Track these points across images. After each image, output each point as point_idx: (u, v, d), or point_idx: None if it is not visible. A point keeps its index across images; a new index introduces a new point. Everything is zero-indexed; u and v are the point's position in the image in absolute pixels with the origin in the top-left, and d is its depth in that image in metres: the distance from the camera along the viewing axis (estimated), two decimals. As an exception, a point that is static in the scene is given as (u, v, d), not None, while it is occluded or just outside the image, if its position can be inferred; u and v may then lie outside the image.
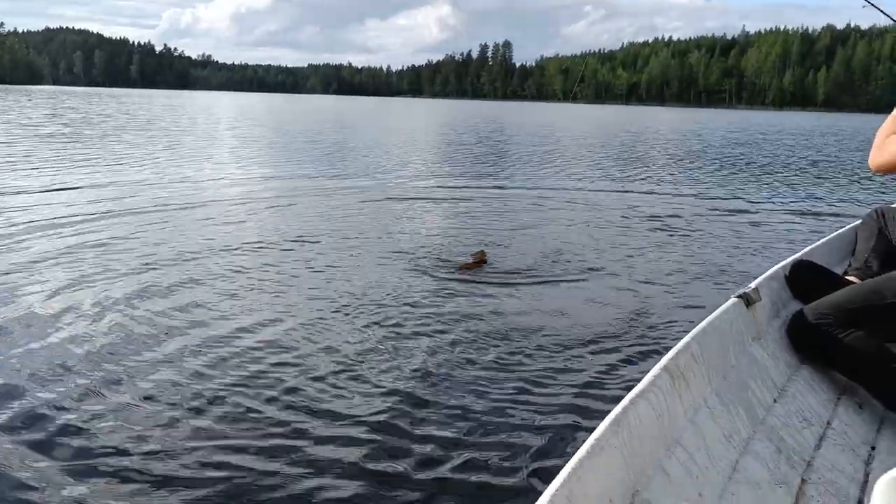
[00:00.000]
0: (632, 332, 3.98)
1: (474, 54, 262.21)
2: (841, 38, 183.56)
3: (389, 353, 3.53)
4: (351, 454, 2.51)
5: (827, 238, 3.53)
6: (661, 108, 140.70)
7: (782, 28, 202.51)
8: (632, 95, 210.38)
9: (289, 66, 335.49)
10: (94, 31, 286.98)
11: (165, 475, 2.33)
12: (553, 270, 5.36)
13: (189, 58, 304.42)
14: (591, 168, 14.15)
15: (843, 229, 3.68)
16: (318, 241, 6.21)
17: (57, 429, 2.63)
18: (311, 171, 11.96)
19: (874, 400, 2.36)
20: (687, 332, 1.93)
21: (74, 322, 3.84)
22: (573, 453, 1.29)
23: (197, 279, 4.80)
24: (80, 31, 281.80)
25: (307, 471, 2.38)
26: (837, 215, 8.62)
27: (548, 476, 2.12)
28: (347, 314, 4.14)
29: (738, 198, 10.23)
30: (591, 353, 3.63)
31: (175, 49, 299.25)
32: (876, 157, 2.34)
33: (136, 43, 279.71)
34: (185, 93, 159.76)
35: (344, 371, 3.27)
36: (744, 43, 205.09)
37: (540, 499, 1.21)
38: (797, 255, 3.06)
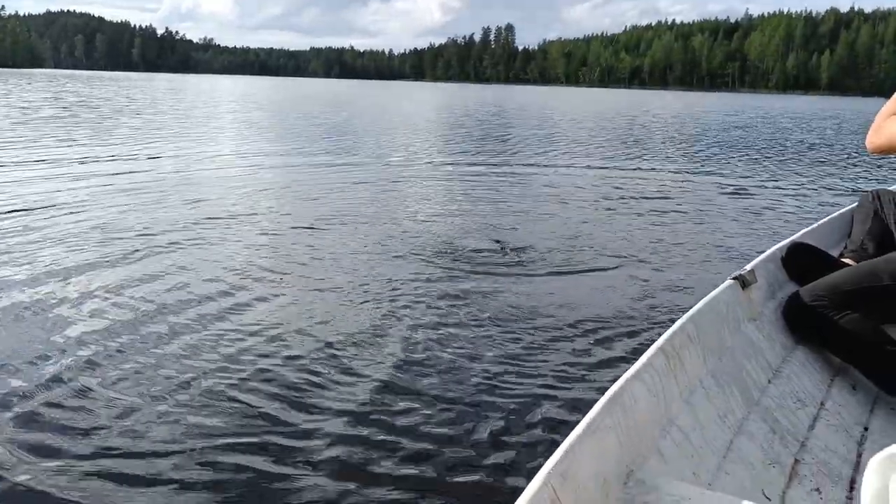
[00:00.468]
0: (627, 313, 3.98)
1: (477, 37, 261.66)
2: (845, 22, 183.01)
3: (383, 336, 3.50)
4: (347, 439, 2.49)
5: (823, 221, 3.52)
6: (664, 92, 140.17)
7: (786, 11, 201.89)
8: (635, 79, 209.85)
9: (291, 49, 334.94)
10: (96, 15, 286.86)
11: (152, 469, 2.31)
12: (546, 252, 5.33)
13: (191, 41, 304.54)
14: (590, 149, 14.04)
15: (839, 212, 3.67)
16: (320, 224, 6.18)
17: (32, 416, 2.61)
18: (315, 153, 11.91)
19: (868, 381, 2.38)
20: (683, 312, 1.95)
21: (61, 306, 3.83)
22: (569, 431, 1.30)
23: (191, 262, 4.79)
24: (82, 15, 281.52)
25: (305, 468, 2.35)
26: (833, 198, 8.60)
27: (543, 456, 2.12)
28: (348, 300, 4.10)
29: (736, 179, 10.21)
30: (587, 333, 3.62)
31: (177, 32, 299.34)
32: (873, 139, 2.35)
33: (137, 26, 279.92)
34: (187, 76, 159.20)
35: (340, 359, 3.21)
36: (747, 26, 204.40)
37: (534, 478, 1.22)
38: (793, 238, 3.05)
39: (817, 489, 1.78)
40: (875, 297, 2.38)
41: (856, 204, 3.48)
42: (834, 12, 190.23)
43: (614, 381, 1.50)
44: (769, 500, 1.68)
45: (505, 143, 15.22)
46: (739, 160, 13.17)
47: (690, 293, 4.39)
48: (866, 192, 3.49)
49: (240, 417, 2.66)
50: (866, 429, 2.15)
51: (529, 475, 1.22)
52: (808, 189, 9.57)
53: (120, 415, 2.64)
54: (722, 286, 2.31)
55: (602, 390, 1.55)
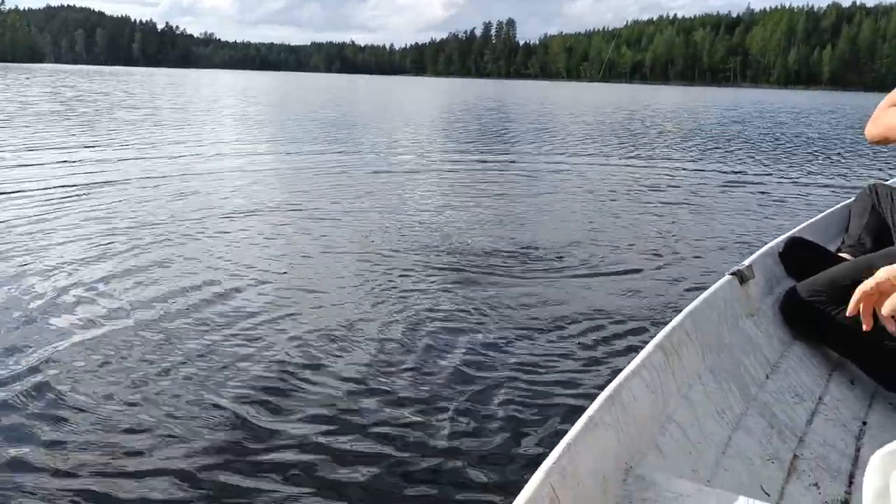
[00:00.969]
0: (625, 308, 3.96)
1: (478, 32, 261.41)
2: (846, 16, 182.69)
3: (377, 331, 3.49)
4: (345, 438, 2.49)
5: (820, 215, 3.52)
6: (665, 87, 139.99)
7: (788, 5, 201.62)
8: (636, 74, 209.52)
9: (292, 44, 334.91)
10: (96, 10, 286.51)
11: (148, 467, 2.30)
12: (542, 248, 5.30)
13: (191, 36, 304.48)
14: (590, 144, 14.01)
15: (837, 206, 3.67)
16: (325, 218, 6.18)
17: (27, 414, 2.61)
18: (318, 148, 11.87)
19: (865, 376, 2.39)
20: (681, 308, 1.95)
21: (41, 297, 3.82)
22: (568, 428, 1.31)
23: (183, 257, 4.77)
24: (82, 10, 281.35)
25: (301, 465, 2.35)
26: (830, 191, 8.56)
27: (542, 453, 2.11)
28: (348, 299, 4.04)
29: (734, 172, 10.20)
30: (586, 332, 3.59)
31: (177, 27, 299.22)
32: (871, 128, 2.35)
33: (137, 21, 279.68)
34: (187, 71, 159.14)
35: (337, 359, 3.18)
36: (749, 21, 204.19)
37: (534, 475, 1.22)
38: (791, 232, 3.05)
39: (816, 484, 1.78)
40: None
41: (853, 198, 3.46)
42: (836, 7, 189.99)
43: (613, 375, 1.48)
44: (768, 495, 1.68)
45: (504, 138, 15.20)
46: (738, 154, 13.15)
47: (689, 287, 4.40)
48: (863, 185, 3.46)
49: (241, 418, 2.63)
50: (864, 423, 2.15)
51: (528, 472, 1.22)
52: (806, 182, 9.57)
53: (111, 414, 2.63)
54: (720, 282, 2.31)
55: (601, 386, 1.57)
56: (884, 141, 2.33)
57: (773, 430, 1.91)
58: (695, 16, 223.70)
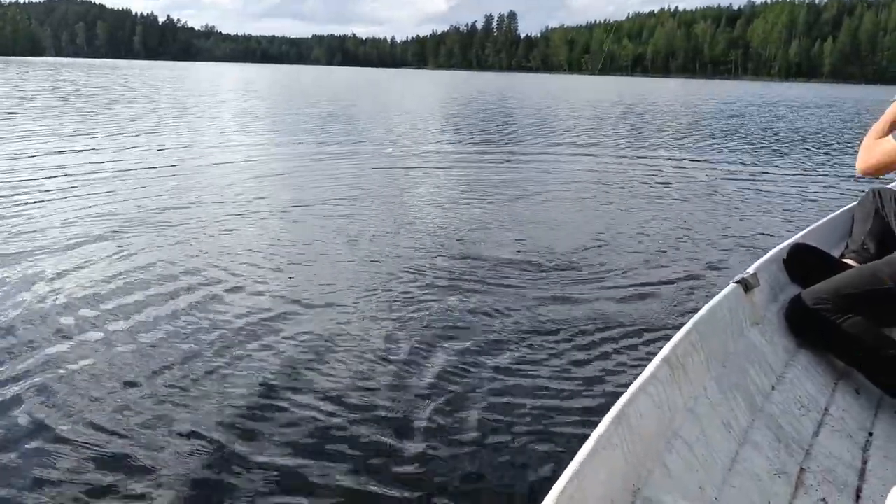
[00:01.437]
0: (630, 315, 3.89)
1: (479, 25, 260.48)
2: (848, 9, 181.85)
3: (380, 340, 3.46)
4: (344, 449, 2.48)
5: (824, 220, 3.51)
6: (666, 80, 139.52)
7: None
8: (637, 67, 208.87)
9: (293, 36, 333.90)
10: (97, 2, 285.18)
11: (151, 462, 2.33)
12: (540, 252, 5.23)
13: (192, 29, 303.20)
14: (589, 138, 14.03)
15: (840, 210, 3.66)
16: (325, 215, 6.20)
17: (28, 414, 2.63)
18: (321, 141, 11.92)
19: (871, 385, 2.37)
20: (684, 311, 1.89)
21: (60, 296, 3.88)
22: (574, 447, 1.27)
23: (177, 251, 4.84)
24: (82, 2, 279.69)
25: (301, 463, 2.37)
26: (832, 186, 8.64)
27: (548, 476, 2.12)
28: (348, 303, 4.01)
29: (738, 167, 10.22)
30: (589, 337, 3.54)
31: (178, 20, 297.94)
32: (865, 160, 2.34)
33: (138, 14, 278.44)
34: (188, 64, 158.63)
35: (334, 364, 3.16)
36: (750, 13, 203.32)
37: (543, 502, 1.22)
38: (794, 238, 3.05)
39: (823, 499, 1.76)
40: (877, 300, 2.37)
41: (856, 202, 3.46)
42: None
43: (619, 389, 1.43)
44: None
45: (503, 132, 15.17)
46: (739, 149, 13.16)
47: (694, 287, 4.44)
48: (866, 190, 3.45)
49: (243, 422, 2.63)
50: (871, 434, 2.14)
51: (537, 499, 1.21)
52: (810, 178, 9.60)
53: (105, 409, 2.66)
54: (725, 290, 2.29)
55: (607, 399, 1.53)
56: (880, 171, 2.31)
57: (780, 444, 1.90)
58: (696, 8, 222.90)
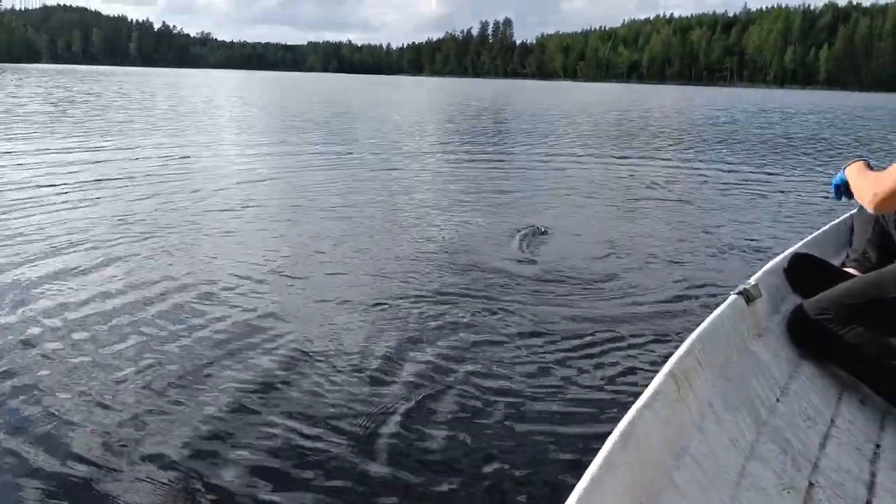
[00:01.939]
0: (627, 326, 3.81)
1: (475, 32, 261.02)
2: (843, 15, 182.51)
3: (382, 348, 3.45)
4: (341, 455, 2.47)
5: (823, 229, 3.49)
6: (661, 87, 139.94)
7: (784, 5, 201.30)
8: (632, 73, 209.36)
9: (288, 43, 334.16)
10: (92, 9, 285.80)
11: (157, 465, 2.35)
12: (539, 260, 5.17)
13: (188, 35, 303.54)
14: (585, 145, 14.06)
15: (840, 219, 3.65)
16: (325, 220, 6.21)
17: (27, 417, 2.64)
18: (319, 146, 11.95)
19: (875, 395, 2.35)
20: (686, 322, 1.85)
21: (55, 299, 3.85)
22: (580, 465, 1.24)
23: (177, 256, 4.82)
24: (78, 9, 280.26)
25: (302, 466, 2.38)
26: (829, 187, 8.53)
27: (556, 495, 2.09)
28: (352, 309, 4.00)
29: (735, 174, 10.19)
30: (591, 348, 3.49)
31: (174, 27, 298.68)
32: (874, 193, 2.21)
33: (134, 21, 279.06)
34: (184, 71, 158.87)
35: (337, 371, 3.15)
36: (745, 20, 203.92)
37: None
38: (795, 248, 3.04)
39: None
40: (880, 310, 2.35)
41: (855, 210, 3.43)
42: (832, 6, 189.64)
43: (621, 397, 1.39)
44: None
45: (498, 139, 15.20)
46: (734, 156, 13.16)
47: (695, 295, 4.40)
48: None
49: (244, 422, 2.65)
50: (878, 446, 2.12)
51: None
52: (807, 184, 9.61)
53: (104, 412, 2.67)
54: (726, 302, 2.27)
55: (613, 408, 1.53)
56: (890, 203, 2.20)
57: (787, 457, 1.88)
58: (691, 15, 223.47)
